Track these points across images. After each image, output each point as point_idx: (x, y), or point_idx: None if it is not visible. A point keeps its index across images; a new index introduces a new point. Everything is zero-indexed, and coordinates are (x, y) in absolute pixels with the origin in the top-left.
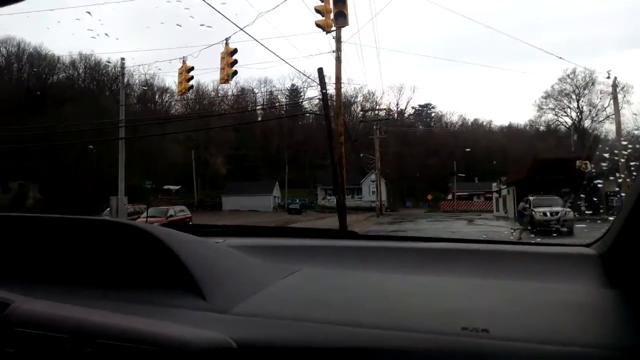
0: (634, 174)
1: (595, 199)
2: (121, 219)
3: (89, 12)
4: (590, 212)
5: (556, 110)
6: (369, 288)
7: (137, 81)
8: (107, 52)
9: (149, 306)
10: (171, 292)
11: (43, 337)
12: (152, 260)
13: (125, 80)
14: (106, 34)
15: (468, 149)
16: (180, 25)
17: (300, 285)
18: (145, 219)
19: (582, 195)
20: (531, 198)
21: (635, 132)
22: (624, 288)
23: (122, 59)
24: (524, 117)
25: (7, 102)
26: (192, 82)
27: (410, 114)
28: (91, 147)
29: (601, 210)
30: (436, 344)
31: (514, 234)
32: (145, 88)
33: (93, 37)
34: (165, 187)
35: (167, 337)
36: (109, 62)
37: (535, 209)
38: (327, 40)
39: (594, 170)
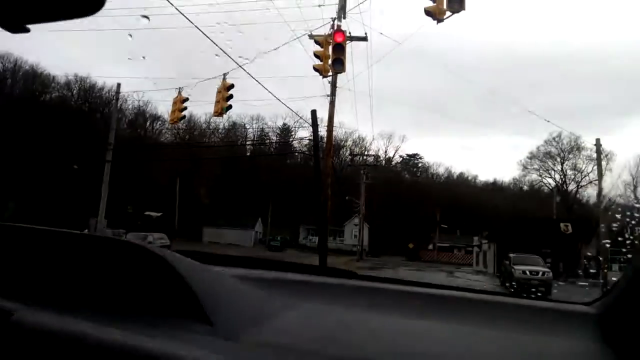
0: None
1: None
2: (130, 239)
3: (130, 35)
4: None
5: (540, 171)
6: (375, 328)
7: (129, 107)
8: (103, 76)
9: (153, 328)
10: (175, 315)
11: (45, 349)
12: (157, 283)
13: (119, 105)
14: (143, 57)
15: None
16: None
17: (306, 318)
18: None
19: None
20: (512, 255)
21: (618, 199)
22: (621, 347)
23: (118, 84)
24: (508, 174)
25: None
26: (184, 113)
27: (397, 162)
28: (75, 166)
29: (579, 273)
30: None
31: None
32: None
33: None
34: (147, 213)
35: (176, 357)
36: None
37: (515, 267)
38: (323, 84)
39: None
